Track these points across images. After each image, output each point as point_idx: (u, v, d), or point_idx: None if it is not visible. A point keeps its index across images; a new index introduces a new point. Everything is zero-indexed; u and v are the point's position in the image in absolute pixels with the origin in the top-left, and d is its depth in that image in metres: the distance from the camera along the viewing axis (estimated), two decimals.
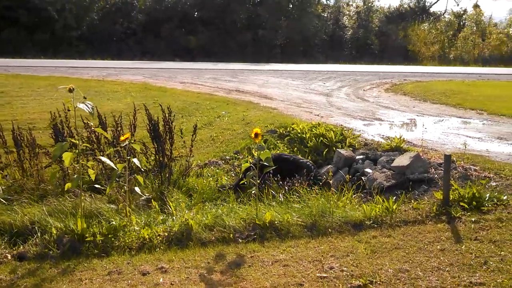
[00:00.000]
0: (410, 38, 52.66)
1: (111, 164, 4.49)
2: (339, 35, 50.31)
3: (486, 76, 24.07)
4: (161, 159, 6.62)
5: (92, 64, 25.21)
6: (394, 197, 5.82)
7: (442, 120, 11.27)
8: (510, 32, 55.58)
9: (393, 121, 10.84)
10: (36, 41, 39.73)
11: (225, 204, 5.69)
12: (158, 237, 4.62)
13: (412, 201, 5.48)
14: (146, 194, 6.35)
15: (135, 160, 4.81)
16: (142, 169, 4.99)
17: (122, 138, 4.84)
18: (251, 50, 41.68)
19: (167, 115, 6.77)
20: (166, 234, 4.67)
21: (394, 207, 5.03)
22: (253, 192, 4.98)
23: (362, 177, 6.91)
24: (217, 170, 7.90)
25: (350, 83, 19.55)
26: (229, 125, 10.25)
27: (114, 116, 7.37)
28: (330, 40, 48.85)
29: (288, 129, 9.23)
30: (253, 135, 4.80)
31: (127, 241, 4.56)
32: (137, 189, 4.93)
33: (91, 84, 16.64)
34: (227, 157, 8.53)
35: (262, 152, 4.76)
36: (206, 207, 6.10)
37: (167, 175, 6.68)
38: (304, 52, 44.03)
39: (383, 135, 9.07)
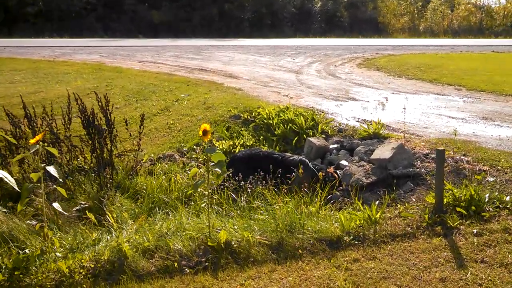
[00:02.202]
0: (379, 10, 51.94)
1: (9, 181, 3.39)
2: (307, 8, 49.02)
3: (459, 48, 23.45)
4: (99, 158, 5.54)
5: (46, 43, 23.47)
6: (376, 200, 4.93)
7: (420, 98, 10.43)
8: (478, 2, 55.36)
9: (368, 101, 9.94)
10: None
11: (174, 214, 4.69)
12: (81, 270, 3.60)
13: (399, 205, 4.58)
14: (82, 202, 5.30)
15: (50, 169, 3.73)
16: (60, 179, 3.88)
17: (31, 140, 3.74)
18: (218, 25, 40.13)
19: (104, 104, 5.64)
20: (92, 265, 3.65)
21: (378, 215, 4.13)
22: (203, 205, 3.99)
23: (337, 171, 5.99)
24: (172, 166, 6.86)
25: (320, 58, 18.57)
26: (188, 110, 9.17)
27: (44, 107, 6.21)
28: (299, 13, 47.55)
29: (253, 113, 8.22)
30: (201, 133, 3.78)
31: (40, 277, 3.52)
32: (56, 205, 3.86)
33: (40, 65, 15.19)
34: (184, 149, 7.49)
35: (213, 154, 3.73)
36: (152, 218, 5.12)
37: (108, 176, 5.62)
38: (272, 26, 42.73)
39: (358, 118, 8.17)
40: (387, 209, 4.49)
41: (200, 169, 3.94)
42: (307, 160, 5.90)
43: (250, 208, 4.95)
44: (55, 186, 4.24)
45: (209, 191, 3.84)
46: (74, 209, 5.12)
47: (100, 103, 5.69)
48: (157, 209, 5.42)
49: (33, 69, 14.27)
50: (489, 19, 51.76)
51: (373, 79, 13.28)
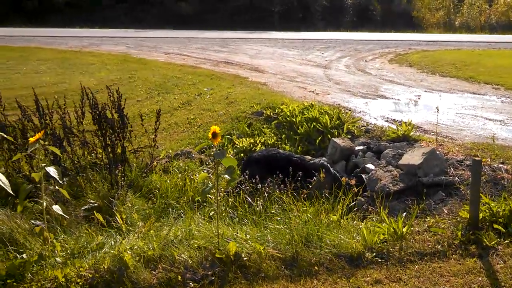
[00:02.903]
0: (414, 3, 50.49)
1: (3, 183, 3.13)
2: (340, 1, 48.02)
3: (497, 44, 22.44)
4: (111, 154, 5.29)
5: (75, 33, 23.58)
6: (404, 210, 4.54)
7: (455, 97, 9.87)
8: None
9: (398, 99, 9.45)
10: (23, 9, 37.83)
11: (184, 219, 4.39)
12: (79, 280, 3.34)
13: (428, 217, 4.17)
14: (92, 201, 5.07)
15: (49, 169, 3.47)
16: (60, 180, 3.62)
17: (31, 139, 3.49)
18: (246, 17, 39.65)
19: (115, 98, 5.37)
20: (91, 274, 3.38)
21: (405, 230, 3.73)
22: (211, 213, 3.68)
23: (363, 175, 5.60)
24: (190, 163, 6.59)
25: (350, 53, 18.01)
26: (210, 105, 8.88)
27: (57, 99, 5.99)
28: (330, 6, 46.58)
29: (276, 110, 7.87)
30: (210, 135, 3.45)
31: (35, 287, 3.27)
32: (56, 207, 3.62)
33: (66, 55, 15.18)
34: (203, 145, 7.20)
35: (224, 159, 3.39)
36: (163, 220, 4.85)
37: (120, 174, 5.37)
38: (303, 19, 41.99)
39: (387, 118, 7.72)
40: (415, 221, 4.09)
41: (210, 174, 3.64)
42: (328, 165, 5.52)
43: (266, 214, 4.63)
44: (57, 187, 3.99)
45: (218, 198, 3.52)
46: (82, 208, 4.90)
47: (111, 98, 5.40)
48: (170, 210, 5.17)
49: (59, 59, 14.24)
50: None
51: (404, 76, 12.72)
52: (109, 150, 5.28)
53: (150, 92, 10.18)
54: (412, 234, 3.78)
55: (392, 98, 9.48)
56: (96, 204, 4.96)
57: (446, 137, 6.45)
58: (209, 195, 4.03)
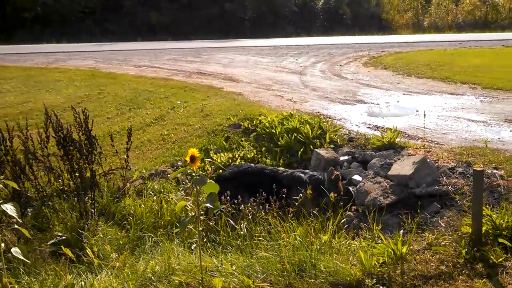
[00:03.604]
0: (382, 6, 51.17)
1: None
2: (310, 6, 48.22)
3: (467, 43, 22.65)
4: (78, 180, 4.86)
5: (40, 49, 22.82)
6: (398, 225, 4.25)
7: (434, 99, 9.71)
8: None
9: (378, 103, 9.23)
10: None
11: (161, 250, 4.00)
12: None
13: (426, 233, 3.88)
14: (59, 234, 4.63)
15: (6, 207, 3.05)
16: (19, 219, 3.19)
17: None
18: (218, 25, 39.42)
19: (82, 119, 4.95)
20: None
21: (404, 250, 3.42)
22: (193, 247, 3.31)
23: (350, 188, 5.30)
24: (165, 183, 6.19)
25: (324, 57, 17.86)
26: (185, 119, 8.49)
27: (18, 123, 5.53)
28: (300, 11, 46.76)
29: (254, 121, 7.54)
30: (188, 159, 3.09)
31: None
32: (15, 250, 3.18)
33: (31, 73, 14.56)
34: (179, 163, 6.81)
35: (205, 184, 3.02)
36: (139, 249, 4.45)
37: (90, 201, 4.94)
38: (273, 26, 41.98)
39: (369, 124, 7.47)
40: (413, 237, 3.79)
41: (189, 202, 3.28)
42: (302, 175, 5.19)
43: (252, 241, 4.27)
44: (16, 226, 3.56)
45: (200, 229, 3.14)
46: (49, 243, 4.46)
47: (78, 119, 4.97)
48: (147, 237, 4.78)
49: (24, 77, 13.63)
50: (494, 12, 50.81)
51: (381, 79, 12.57)
52: (77, 175, 4.84)
53: (121, 108, 9.72)
54: (412, 254, 3.48)
55: (371, 103, 9.26)
56: (64, 237, 4.53)
57: (432, 142, 6.21)
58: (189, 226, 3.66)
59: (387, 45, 22.21)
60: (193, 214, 4.21)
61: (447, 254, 3.42)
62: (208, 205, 2.92)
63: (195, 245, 3.46)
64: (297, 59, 17.35)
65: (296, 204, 4.66)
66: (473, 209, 3.44)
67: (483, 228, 3.53)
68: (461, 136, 6.55)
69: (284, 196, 4.68)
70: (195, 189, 3.21)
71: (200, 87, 11.15)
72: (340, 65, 15.62)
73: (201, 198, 3.19)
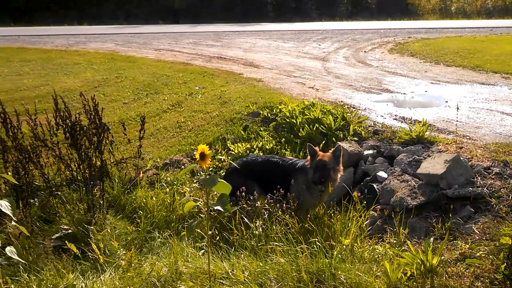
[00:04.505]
0: None
1: None
2: None
3: (498, 29, 21.73)
4: (87, 172, 4.62)
5: (61, 31, 22.72)
6: (426, 232, 3.90)
7: (464, 88, 9.21)
8: None
9: (404, 93, 8.79)
10: (11, 7, 36.85)
11: (169, 250, 3.74)
12: None
13: (458, 241, 3.53)
14: (65, 227, 4.40)
15: (0, 203, 2.81)
16: (14, 217, 2.93)
17: None
18: (240, 9, 38.78)
19: (91, 106, 4.69)
20: None
21: (435, 261, 3.08)
22: (200, 253, 3.02)
23: (374, 185, 4.95)
24: (179, 174, 5.92)
25: (348, 43, 17.30)
26: (202, 106, 8.20)
27: (27, 108, 5.30)
28: None
29: (274, 110, 7.21)
30: (197, 156, 2.79)
31: None
32: (9, 250, 2.94)
33: (51, 55, 14.43)
34: (195, 152, 6.52)
35: (216, 184, 2.73)
36: (148, 246, 4.21)
37: (98, 193, 4.71)
38: (296, 10, 41.05)
39: (396, 115, 7.07)
40: (446, 247, 3.45)
41: (199, 202, 2.99)
42: (299, 163, 4.72)
43: (266, 237, 3.98)
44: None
45: (210, 233, 2.86)
46: (53, 237, 4.24)
47: (87, 106, 4.71)
48: (156, 233, 4.53)
49: (43, 60, 13.51)
50: None
51: (407, 67, 12.05)
52: (85, 166, 4.60)
53: (138, 93, 9.48)
54: (443, 265, 3.14)
55: (398, 92, 8.82)
56: (70, 231, 4.31)
57: (464, 137, 5.80)
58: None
59: (414, 31, 21.47)
60: (203, 216, 3.95)
61: (483, 268, 3.07)
62: (218, 207, 2.63)
63: (203, 251, 3.18)
64: (320, 45, 16.85)
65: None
66: None
67: None
68: (495, 131, 6.11)
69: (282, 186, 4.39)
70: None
71: (220, 72, 10.83)
72: (365, 52, 15.09)
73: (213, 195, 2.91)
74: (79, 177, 4.90)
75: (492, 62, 12.00)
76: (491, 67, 11.39)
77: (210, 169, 6.01)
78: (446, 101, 8.06)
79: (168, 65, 12.06)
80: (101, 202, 4.63)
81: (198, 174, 5.92)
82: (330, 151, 4.45)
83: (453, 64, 12.19)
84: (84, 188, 4.72)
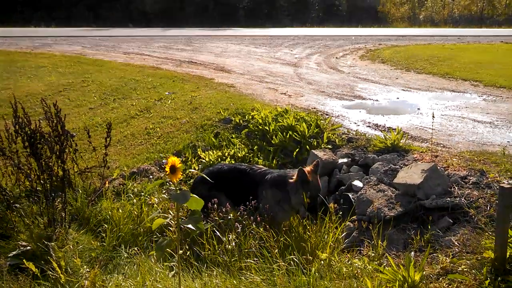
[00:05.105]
0: None
1: None
2: None
3: (465, 38, 22.20)
4: (47, 183, 4.32)
5: (27, 32, 22.03)
6: (405, 243, 3.78)
7: (435, 96, 9.24)
8: None
9: (377, 99, 8.75)
10: None
11: (135, 272, 3.50)
12: None
13: (438, 254, 3.41)
14: (23, 244, 4.10)
15: None
16: None
17: None
18: (212, 14, 38.68)
19: (53, 113, 4.41)
20: None
21: (417, 278, 2.94)
22: (170, 274, 2.80)
23: (350, 194, 4.82)
24: (148, 183, 5.67)
25: (320, 49, 17.32)
26: (172, 112, 7.95)
27: None
28: (296, 1, 45.99)
29: (246, 117, 7.03)
30: (168, 170, 2.58)
31: None
32: None
33: (15, 57, 13.89)
34: (163, 160, 6.29)
35: (187, 200, 2.51)
36: (113, 263, 3.95)
37: (60, 206, 4.42)
38: (269, 16, 41.25)
39: (369, 122, 6.99)
40: (426, 262, 3.32)
41: (168, 219, 2.76)
42: (275, 174, 4.45)
43: (240, 252, 3.79)
44: None
45: (180, 252, 2.64)
46: (10, 254, 3.93)
47: (47, 111, 4.42)
48: (123, 246, 4.28)
49: (6, 62, 12.97)
50: (490, 8, 50.41)
51: (379, 73, 12.08)
52: (46, 176, 4.31)
53: (105, 98, 9.15)
54: (425, 281, 3.01)
55: (370, 99, 8.77)
56: (28, 248, 4.01)
57: (438, 145, 5.74)
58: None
59: (384, 38, 21.70)
60: (172, 230, 3.72)
61: (466, 284, 2.95)
62: (190, 226, 2.42)
63: (174, 272, 2.96)
64: (292, 50, 16.80)
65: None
66: (497, 233, 2.97)
67: (508, 252, 3.07)
68: (468, 139, 6.09)
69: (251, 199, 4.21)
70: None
71: (190, 77, 10.60)
72: (336, 58, 15.10)
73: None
74: (39, 188, 4.60)
75: (461, 70, 12.15)
76: (461, 75, 11.52)
77: (180, 178, 5.78)
78: (418, 108, 8.04)
79: (137, 69, 11.74)
80: (63, 215, 4.34)
81: (167, 184, 5.68)
82: (310, 166, 4.26)
83: (424, 71, 12.29)
84: (44, 201, 4.42)
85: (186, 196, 2.47)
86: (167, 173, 2.60)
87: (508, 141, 5.96)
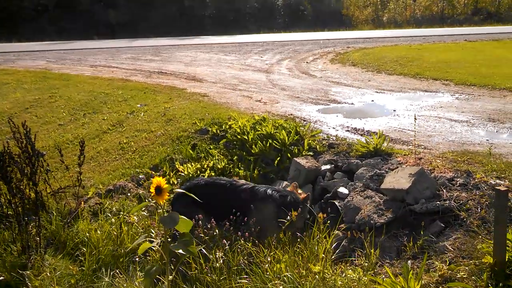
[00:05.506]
0: (343, 2, 51.27)
1: None
2: (270, 2, 47.70)
3: (431, 38, 22.60)
4: (19, 207, 4.07)
5: None
6: (398, 251, 3.69)
7: (409, 96, 9.29)
8: None
9: (352, 103, 8.72)
10: None
11: None
12: None
13: (434, 260, 3.32)
14: None
15: None
16: None
17: None
18: (178, 23, 38.34)
19: (21, 133, 4.16)
20: None
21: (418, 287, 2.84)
22: None
23: (336, 202, 4.72)
24: (125, 201, 5.44)
25: (290, 54, 17.30)
26: (145, 125, 7.72)
27: None
28: (261, 8, 46.16)
29: (223, 126, 6.86)
30: (153, 191, 2.40)
31: None
32: None
33: None
34: (140, 175, 6.07)
35: (177, 223, 2.34)
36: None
37: (35, 230, 4.16)
38: (235, 23, 41.18)
39: (347, 127, 6.93)
40: (421, 267, 3.22)
41: (155, 243, 2.56)
42: (268, 190, 4.38)
43: (229, 269, 3.63)
44: None
45: (170, 278, 2.46)
46: None
47: (15, 132, 4.17)
48: (104, 270, 4.06)
49: None
50: (450, 7, 51.69)
51: (351, 76, 12.10)
52: (17, 200, 4.05)
53: (75, 113, 8.84)
54: None
55: (346, 103, 8.74)
56: (1, 278, 3.76)
57: (419, 146, 5.71)
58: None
59: (352, 41, 21.89)
60: (154, 255, 3.54)
61: None
62: (180, 251, 2.25)
63: None
64: (262, 57, 16.73)
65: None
66: (495, 237, 2.89)
67: (507, 255, 3.00)
68: (448, 139, 6.08)
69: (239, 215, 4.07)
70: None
71: (162, 88, 10.37)
72: (307, 62, 15.10)
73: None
74: (10, 213, 4.34)
75: (431, 70, 12.30)
76: (431, 75, 11.65)
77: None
78: (394, 110, 8.04)
79: (106, 82, 11.43)
80: (38, 240, 4.10)
81: (146, 200, 5.47)
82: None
83: (394, 73, 12.38)
84: (17, 226, 4.16)
85: (175, 219, 2.30)
86: (152, 194, 2.43)
87: (487, 139, 5.98)
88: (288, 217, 3.94)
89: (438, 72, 11.98)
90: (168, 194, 2.43)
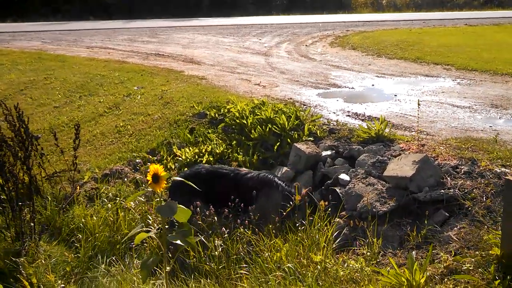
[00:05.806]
0: None
1: None
2: None
3: (431, 22, 22.36)
4: (12, 193, 3.96)
5: None
6: (401, 241, 3.61)
7: (410, 81, 9.15)
8: None
9: (353, 87, 8.59)
10: None
11: (116, 278, 3.21)
12: None
13: (439, 251, 3.24)
14: None
15: None
16: None
17: None
18: (176, 4, 37.77)
19: (14, 116, 4.03)
20: None
21: (422, 280, 2.76)
22: None
23: (337, 189, 4.62)
24: (122, 185, 5.34)
25: (289, 37, 17.07)
26: (142, 108, 7.59)
27: None
28: None
29: (222, 110, 6.74)
30: (149, 179, 2.29)
31: None
32: None
33: None
34: (137, 159, 5.96)
35: (175, 213, 2.24)
36: (90, 275, 3.65)
37: (29, 216, 4.06)
38: (233, 4, 40.63)
39: (348, 112, 6.82)
40: (425, 258, 3.15)
41: (152, 232, 2.48)
42: (275, 178, 4.37)
43: (228, 257, 3.55)
44: None
45: (167, 270, 2.36)
46: None
47: (8, 115, 4.04)
48: (100, 257, 3.97)
49: None
50: None
51: (351, 60, 11.94)
52: (11, 185, 3.94)
53: (70, 95, 8.68)
54: (430, 283, 2.83)
55: (346, 87, 8.60)
56: None
57: (421, 132, 5.60)
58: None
59: (351, 24, 21.63)
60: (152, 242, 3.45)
61: (474, 284, 2.79)
62: (178, 242, 2.15)
63: None
64: (260, 39, 16.50)
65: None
66: (503, 228, 2.81)
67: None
68: (451, 125, 5.98)
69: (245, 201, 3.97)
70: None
71: (159, 70, 10.20)
72: (306, 45, 14.89)
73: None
74: (3, 198, 4.22)
75: (432, 54, 12.13)
76: (432, 59, 11.50)
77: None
78: (395, 95, 7.92)
79: (102, 63, 11.24)
80: (32, 226, 3.99)
81: (143, 185, 5.37)
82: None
83: (395, 57, 12.21)
84: (10, 212, 4.06)
85: (173, 209, 2.19)
86: (149, 182, 2.32)
87: (490, 126, 5.88)
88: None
89: (439, 56, 11.82)
90: (165, 181, 2.32)
